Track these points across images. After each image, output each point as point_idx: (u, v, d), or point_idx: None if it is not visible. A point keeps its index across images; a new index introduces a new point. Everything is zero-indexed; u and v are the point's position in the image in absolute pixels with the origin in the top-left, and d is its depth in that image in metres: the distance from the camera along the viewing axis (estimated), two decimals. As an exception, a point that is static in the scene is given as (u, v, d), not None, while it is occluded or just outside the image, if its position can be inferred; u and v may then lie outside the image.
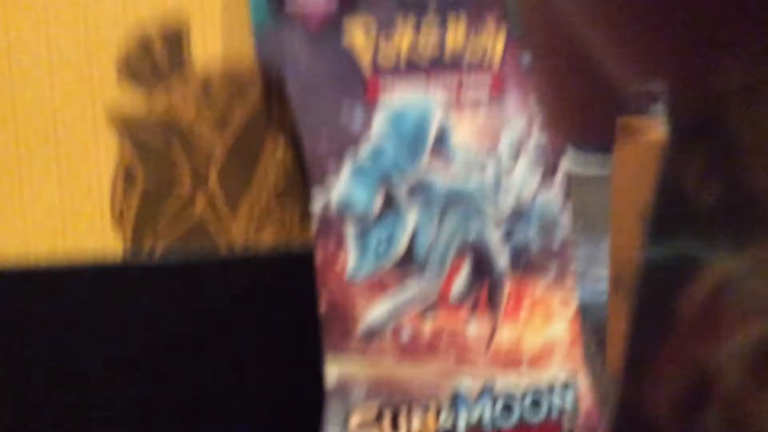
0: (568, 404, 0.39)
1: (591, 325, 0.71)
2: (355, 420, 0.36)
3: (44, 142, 0.35)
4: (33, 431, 0.37)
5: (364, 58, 0.36)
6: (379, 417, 0.36)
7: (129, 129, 0.36)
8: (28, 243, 0.36)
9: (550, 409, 0.39)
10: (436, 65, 0.37)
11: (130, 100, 0.36)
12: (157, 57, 0.36)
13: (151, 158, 0.36)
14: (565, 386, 0.39)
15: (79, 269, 0.36)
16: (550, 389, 0.39)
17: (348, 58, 0.36)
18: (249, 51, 0.37)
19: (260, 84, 0.37)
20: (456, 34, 0.37)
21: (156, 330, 0.37)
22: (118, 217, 0.36)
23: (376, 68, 0.36)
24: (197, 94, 0.37)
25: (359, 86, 0.36)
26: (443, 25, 0.37)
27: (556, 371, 0.39)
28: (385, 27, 0.36)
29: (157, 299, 0.37)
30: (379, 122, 0.36)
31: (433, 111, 0.37)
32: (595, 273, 0.91)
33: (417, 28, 0.37)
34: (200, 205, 0.37)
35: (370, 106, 0.36)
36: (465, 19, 0.37)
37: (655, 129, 0.57)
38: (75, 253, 0.36)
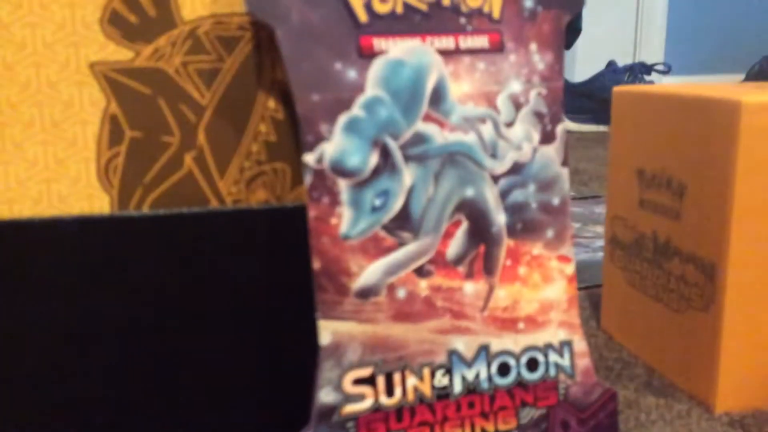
0: (565, 364, 0.39)
1: (586, 284, 0.71)
2: (349, 380, 0.35)
3: (27, 96, 0.34)
4: (21, 385, 0.36)
5: (358, 8, 0.35)
6: (373, 377, 0.35)
7: (114, 81, 0.35)
8: (12, 198, 0.35)
9: (546, 369, 0.39)
10: (434, 15, 0.36)
11: (116, 51, 0.35)
12: (144, 7, 0.35)
13: (138, 110, 0.35)
14: (562, 346, 0.39)
15: (67, 222, 0.35)
16: (547, 349, 0.39)
17: (342, 8, 0.34)
18: (239, 1, 0.35)
19: (250, 36, 0.36)
20: (454, -16, 0.36)
21: (145, 284, 0.36)
22: (105, 170, 0.35)
23: (370, 18, 0.35)
24: (184, 45, 0.35)
25: (353, 37, 0.34)
26: (441, -27, 0.35)
27: (553, 331, 0.39)
28: (381, -25, 0.35)
29: (147, 252, 0.36)
30: (374, 75, 0.35)
31: (430, 63, 0.36)
32: (590, 231, 0.91)
33: (413, -24, 0.35)
34: (189, 161, 0.36)
35: (364, 58, 0.35)
36: (463, -33, 0.36)
37: (651, 91, 0.55)
38: (60, 206, 0.35)
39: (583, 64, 2.43)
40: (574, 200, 1.10)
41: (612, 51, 2.56)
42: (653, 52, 2.71)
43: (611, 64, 1.82)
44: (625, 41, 2.68)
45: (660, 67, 1.76)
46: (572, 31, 1.88)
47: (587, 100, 1.82)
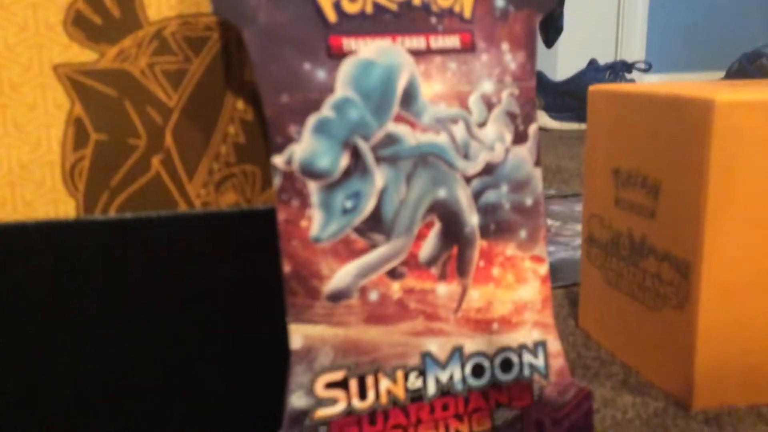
0: (539, 364, 0.39)
1: (564, 282, 0.71)
2: (320, 384, 0.35)
3: (-11, 99, 0.33)
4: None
5: (327, 7, 0.34)
6: (345, 380, 0.35)
7: (78, 83, 0.34)
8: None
9: (521, 370, 0.38)
10: (404, 14, 0.35)
11: (80, 53, 0.34)
12: (109, 8, 0.34)
13: (103, 113, 0.35)
14: (536, 346, 0.39)
15: (32, 227, 0.34)
16: (521, 350, 0.38)
17: (310, 8, 0.34)
18: (206, 1, 0.35)
19: (218, 37, 0.36)
20: (424, -17, 0.36)
21: (111, 289, 0.36)
22: (70, 173, 0.35)
23: (340, 18, 0.34)
24: (150, 46, 0.35)
25: (322, 38, 0.34)
26: (410, -27, 0.35)
27: (527, 331, 0.39)
28: (349, -25, 0.34)
29: (113, 256, 0.35)
30: (344, 76, 0.34)
31: (400, 64, 0.35)
32: (570, 230, 0.91)
33: (383, -24, 0.35)
34: (156, 164, 0.36)
35: (333, 59, 0.34)
36: (433, -33, 0.36)
37: (626, 90, 0.56)
38: (25, 210, 0.35)
39: (565, 62, 2.44)
40: (555, 198, 1.10)
41: (593, 49, 2.57)
42: (634, 50, 2.72)
43: (592, 63, 1.83)
44: (607, 40, 2.70)
45: (640, 65, 1.77)
46: (554, 30, 1.88)
47: (569, 98, 1.82)
